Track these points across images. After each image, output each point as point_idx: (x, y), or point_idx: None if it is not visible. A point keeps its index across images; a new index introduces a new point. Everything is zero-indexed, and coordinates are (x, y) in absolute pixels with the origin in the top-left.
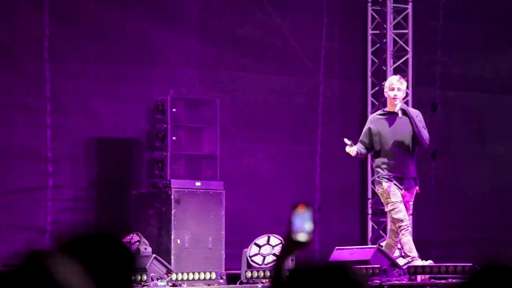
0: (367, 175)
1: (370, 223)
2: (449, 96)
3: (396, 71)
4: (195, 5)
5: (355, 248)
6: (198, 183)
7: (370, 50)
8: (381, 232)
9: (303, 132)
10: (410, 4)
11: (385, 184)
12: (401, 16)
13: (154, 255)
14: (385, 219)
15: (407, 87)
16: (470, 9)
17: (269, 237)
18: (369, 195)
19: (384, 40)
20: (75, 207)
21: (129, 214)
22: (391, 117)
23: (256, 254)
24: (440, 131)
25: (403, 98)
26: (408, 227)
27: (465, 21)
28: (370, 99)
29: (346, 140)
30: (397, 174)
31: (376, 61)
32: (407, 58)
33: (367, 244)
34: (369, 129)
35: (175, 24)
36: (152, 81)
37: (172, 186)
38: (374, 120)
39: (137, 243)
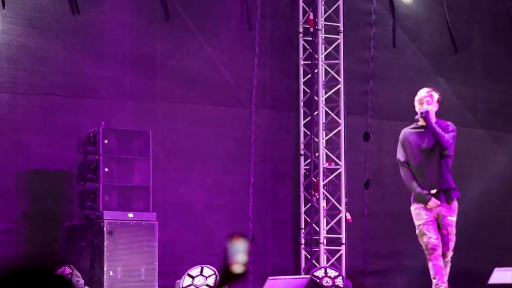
0: (300, 205)
1: (303, 253)
2: (381, 125)
3: (328, 101)
4: (126, 37)
5: (288, 278)
6: (130, 215)
7: (301, 80)
8: (314, 262)
9: (236, 162)
10: (341, 34)
11: (412, 207)
12: (332, 46)
13: (86, 287)
14: (318, 249)
15: (339, 117)
16: (400, 39)
17: (202, 268)
18: (302, 225)
19: (316, 71)
20: (6, 240)
21: (61, 246)
22: (423, 130)
23: (189, 285)
24: (373, 161)
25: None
26: (433, 251)
27: (395, 51)
28: (302, 129)
29: (433, 203)
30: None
31: (308, 91)
32: (339, 88)
33: (300, 274)
34: (402, 143)
35: (106, 56)
36: (83, 113)
37: (104, 218)
38: (405, 134)
39: (70, 275)
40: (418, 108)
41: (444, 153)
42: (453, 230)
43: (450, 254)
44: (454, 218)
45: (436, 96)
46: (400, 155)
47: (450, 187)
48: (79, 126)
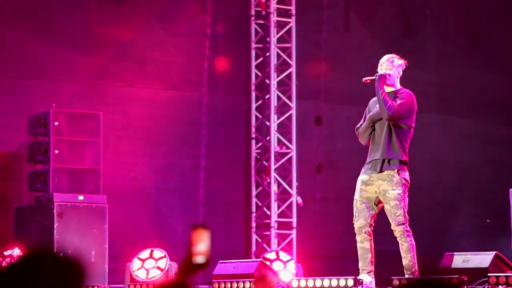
0: (251, 189)
1: (254, 237)
2: (333, 109)
3: (279, 85)
4: (78, 18)
5: (239, 261)
6: (80, 197)
7: (253, 63)
8: (264, 245)
9: (187, 146)
10: (293, 18)
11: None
12: (285, 30)
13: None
14: (269, 232)
15: (291, 101)
16: (352, 23)
17: (152, 251)
18: (253, 208)
19: (268, 54)
20: None
21: (11, 228)
22: None
23: (139, 268)
24: (325, 145)
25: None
26: (357, 234)
27: (348, 35)
28: (253, 112)
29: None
30: (372, 158)
31: (260, 74)
32: (291, 72)
33: (251, 258)
34: (365, 111)
35: (58, 37)
36: (33, 94)
37: (54, 200)
38: (370, 102)
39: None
40: None
41: (386, 120)
42: (397, 204)
43: (399, 229)
44: (396, 192)
45: (398, 61)
46: (359, 123)
47: (391, 158)
48: (29, 107)
